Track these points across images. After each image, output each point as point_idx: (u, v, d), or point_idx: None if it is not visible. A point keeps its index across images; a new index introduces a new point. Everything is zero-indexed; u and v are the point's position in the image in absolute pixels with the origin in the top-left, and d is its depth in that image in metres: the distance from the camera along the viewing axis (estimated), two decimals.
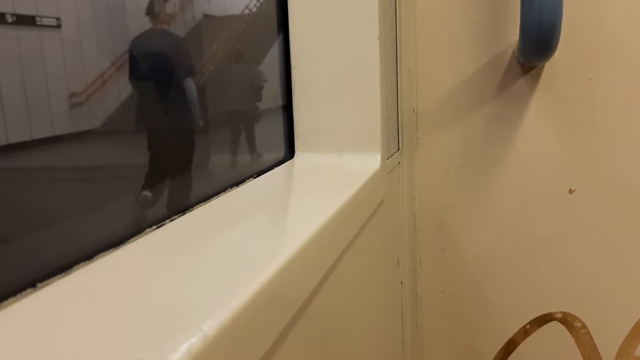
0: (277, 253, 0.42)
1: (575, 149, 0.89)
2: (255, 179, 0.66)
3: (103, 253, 0.41)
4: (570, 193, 0.90)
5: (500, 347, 0.98)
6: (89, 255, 0.39)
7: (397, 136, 0.93)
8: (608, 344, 0.92)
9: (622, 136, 0.87)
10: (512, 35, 0.90)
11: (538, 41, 0.78)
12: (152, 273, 0.38)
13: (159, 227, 0.47)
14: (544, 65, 0.89)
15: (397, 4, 0.89)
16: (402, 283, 0.96)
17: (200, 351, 0.29)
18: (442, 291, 0.99)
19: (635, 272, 0.89)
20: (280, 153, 0.78)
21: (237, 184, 0.63)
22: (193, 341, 0.29)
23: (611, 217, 0.89)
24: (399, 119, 0.94)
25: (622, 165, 0.88)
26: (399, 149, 0.93)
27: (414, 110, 0.96)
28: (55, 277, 0.36)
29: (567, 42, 0.86)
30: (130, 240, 0.44)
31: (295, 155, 0.79)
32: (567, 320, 0.93)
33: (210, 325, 0.31)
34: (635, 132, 0.87)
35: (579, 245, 0.91)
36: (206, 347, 0.29)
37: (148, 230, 0.46)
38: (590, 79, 0.87)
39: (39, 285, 0.35)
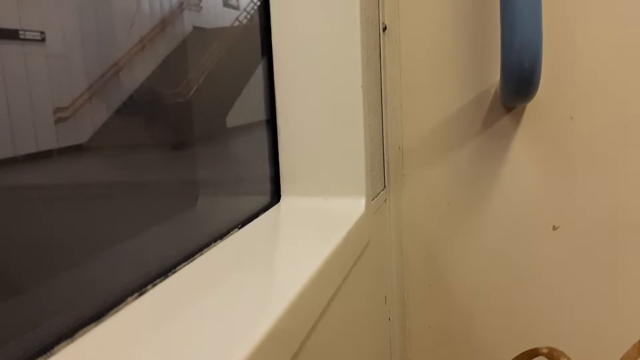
0: (258, 323, 0.43)
1: (558, 186, 0.91)
2: (241, 230, 0.67)
3: (84, 329, 0.41)
4: (554, 229, 0.91)
5: None
6: (69, 333, 0.40)
7: (382, 174, 0.94)
8: None
9: (605, 173, 0.89)
10: (495, 75, 0.91)
11: (519, 85, 0.79)
12: (126, 353, 0.38)
13: (141, 294, 0.48)
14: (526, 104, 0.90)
15: (381, 45, 0.90)
16: (389, 319, 0.96)
17: None
18: (430, 326, 0.99)
19: (621, 307, 0.90)
20: (267, 197, 0.79)
21: (222, 236, 0.64)
22: None
23: (595, 253, 0.91)
24: (385, 156, 0.95)
25: (605, 202, 0.89)
26: (385, 187, 0.94)
27: (399, 147, 0.97)
28: None
29: (548, 82, 0.87)
30: (112, 311, 0.44)
31: (281, 199, 0.79)
32: (553, 355, 0.93)
33: None
34: (617, 169, 0.88)
35: (564, 280, 0.92)
36: None
37: (130, 298, 0.46)
38: (572, 118, 0.88)
39: None
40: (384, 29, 0.92)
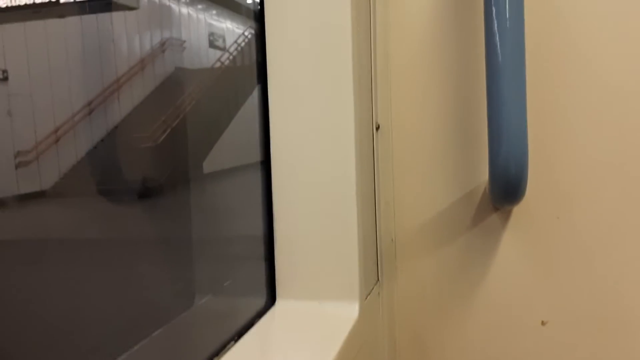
0: None
1: (546, 282, 0.93)
2: (237, 344, 0.68)
3: None
4: (542, 325, 0.93)
5: None
6: None
7: (376, 266, 0.96)
8: None
9: (592, 270, 0.91)
10: (485, 173, 0.94)
11: (505, 192, 0.83)
12: None
13: None
14: None
15: (374, 143, 0.94)
16: None
17: None
18: None
19: None
20: (262, 300, 0.81)
21: (218, 352, 0.65)
22: None
23: (584, 347, 0.92)
24: (378, 248, 0.97)
25: (592, 297, 0.91)
26: (378, 279, 0.96)
27: (392, 240, 0.99)
28: None
29: (536, 183, 0.91)
30: None
31: (276, 302, 0.81)
32: None
33: None
34: (603, 266, 0.91)
35: None
36: None
37: None
38: (559, 217, 0.91)
39: None
40: (377, 128, 0.95)
